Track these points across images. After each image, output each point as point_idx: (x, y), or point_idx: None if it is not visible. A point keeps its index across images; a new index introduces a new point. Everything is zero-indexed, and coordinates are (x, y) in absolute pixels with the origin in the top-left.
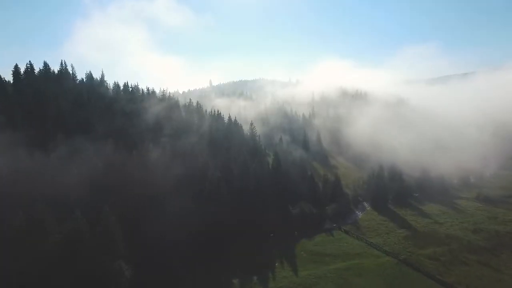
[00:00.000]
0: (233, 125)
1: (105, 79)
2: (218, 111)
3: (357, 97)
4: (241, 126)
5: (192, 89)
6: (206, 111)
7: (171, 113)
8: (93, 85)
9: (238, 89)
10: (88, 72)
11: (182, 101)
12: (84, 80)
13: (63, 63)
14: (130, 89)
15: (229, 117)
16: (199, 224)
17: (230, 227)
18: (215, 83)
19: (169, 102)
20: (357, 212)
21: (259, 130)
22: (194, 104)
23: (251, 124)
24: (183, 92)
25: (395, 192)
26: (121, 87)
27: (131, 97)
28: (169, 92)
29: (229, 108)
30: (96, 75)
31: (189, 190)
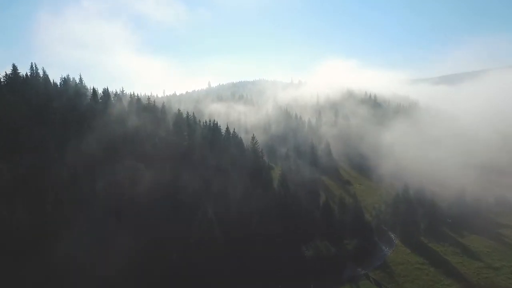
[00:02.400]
0: (232, 138)
1: (84, 83)
2: (214, 122)
3: (365, 101)
4: (241, 140)
5: (191, 91)
6: (199, 121)
7: (157, 127)
8: (68, 92)
9: (237, 91)
10: (63, 76)
11: (175, 107)
12: (59, 85)
13: (34, 66)
14: (114, 96)
15: (227, 128)
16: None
17: (224, 279)
18: (214, 84)
19: (154, 114)
20: (384, 248)
21: (260, 138)
22: (187, 112)
23: (253, 138)
24: (181, 94)
25: (426, 219)
26: (100, 94)
27: (106, 107)
28: (161, 96)
29: (228, 114)
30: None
31: (172, 242)
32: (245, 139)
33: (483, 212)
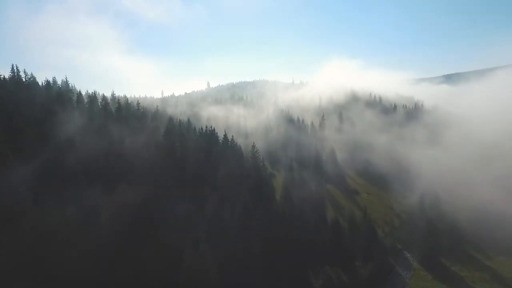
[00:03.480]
0: (230, 147)
1: (72, 86)
2: (211, 128)
3: (370, 103)
4: (240, 148)
5: (190, 91)
6: (194, 129)
7: (146, 138)
8: (51, 97)
9: (237, 92)
10: (46, 80)
11: (170, 111)
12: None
13: (15, 67)
14: (102, 101)
15: (225, 135)
16: None
17: None
18: (213, 85)
19: (143, 122)
20: (401, 272)
21: (261, 143)
22: (179, 120)
23: (253, 146)
24: (179, 95)
25: (446, 236)
26: (85, 99)
27: (88, 113)
28: (159, 97)
29: (226, 118)
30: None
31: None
32: (245, 144)
33: (509, 228)
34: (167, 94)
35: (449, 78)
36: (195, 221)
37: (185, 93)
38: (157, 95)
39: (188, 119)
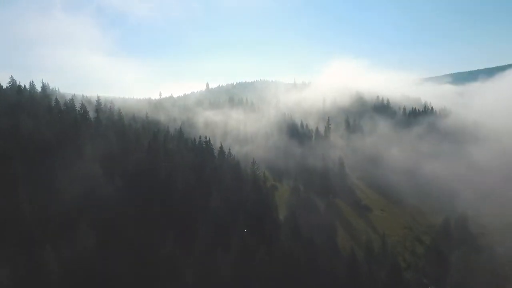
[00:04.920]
0: (226, 161)
1: (56, 90)
2: (206, 139)
3: (378, 106)
4: (238, 163)
5: (189, 92)
6: (186, 141)
7: (125, 157)
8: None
9: (236, 94)
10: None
11: (164, 117)
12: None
13: None
14: (80, 109)
15: (221, 147)
16: None
17: None
18: (213, 85)
19: (125, 137)
20: None
21: (261, 153)
22: (167, 132)
23: (253, 163)
24: (178, 96)
25: (481, 268)
26: (62, 105)
27: (58, 125)
28: (156, 98)
29: (224, 124)
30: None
31: None
32: (243, 155)
33: None
34: (165, 95)
35: (456, 77)
36: (181, 264)
37: (184, 94)
38: (155, 96)
39: (180, 129)
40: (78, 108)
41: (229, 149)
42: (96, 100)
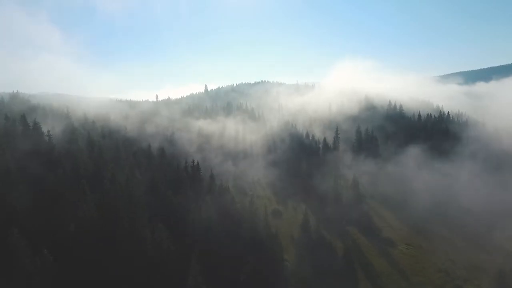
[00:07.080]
0: (218, 195)
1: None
2: (196, 164)
3: (390, 113)
4: (233, 198)
5: (188, 94)
6: (171, 165)
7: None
8: None
9: (236, 98)
10: None
11: (154, 128)
12: None
13: None
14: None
15: (211, 175)
16: None
17: None
18: (213, 87)
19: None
20: None
21: (261, 168)
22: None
23: (251, 196)
24: (176, 98)
25: None
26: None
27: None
28: (153, 100)
29: (221, 134)
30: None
31: None
32: (240, 172)
33: None
34: (163, 97)
35: (466, 76)
36: None
37: (182, 96)
38: (152, 98)
39: (162, 149)
40: None
41: (222, 181)
42: None
